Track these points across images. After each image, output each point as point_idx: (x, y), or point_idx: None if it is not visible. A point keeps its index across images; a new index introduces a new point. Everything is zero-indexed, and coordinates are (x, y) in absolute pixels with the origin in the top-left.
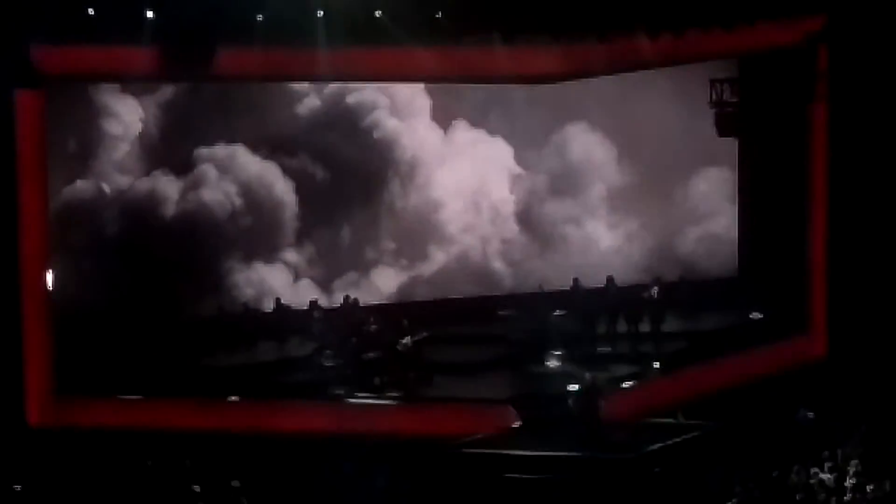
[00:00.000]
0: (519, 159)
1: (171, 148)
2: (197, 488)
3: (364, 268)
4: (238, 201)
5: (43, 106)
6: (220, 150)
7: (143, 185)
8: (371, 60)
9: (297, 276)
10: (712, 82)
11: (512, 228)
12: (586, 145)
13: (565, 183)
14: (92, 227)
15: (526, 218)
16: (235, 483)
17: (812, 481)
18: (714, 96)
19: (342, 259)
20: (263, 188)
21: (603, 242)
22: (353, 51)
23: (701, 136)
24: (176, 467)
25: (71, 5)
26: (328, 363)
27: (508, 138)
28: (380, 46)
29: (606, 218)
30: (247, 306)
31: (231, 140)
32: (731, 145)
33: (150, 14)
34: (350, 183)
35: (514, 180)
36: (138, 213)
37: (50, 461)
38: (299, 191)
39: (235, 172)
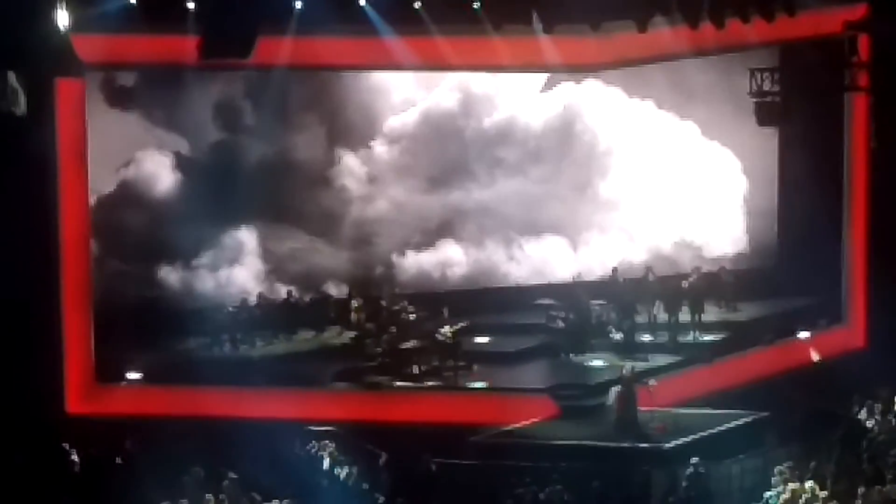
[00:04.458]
0: None
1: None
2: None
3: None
4: None
5: (83, 94)
6: None
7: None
8: (410, 49)
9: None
10: (752, 72)
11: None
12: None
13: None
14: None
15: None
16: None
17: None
18: (754, 86)
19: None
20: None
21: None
22: (392, 40)
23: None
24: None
25: None
26: (368, 352)
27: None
28: (418, 36)
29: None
30: (289, 294)
31: None
32: (771, 136)
33: (190, 4)
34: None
35: None
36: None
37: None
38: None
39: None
